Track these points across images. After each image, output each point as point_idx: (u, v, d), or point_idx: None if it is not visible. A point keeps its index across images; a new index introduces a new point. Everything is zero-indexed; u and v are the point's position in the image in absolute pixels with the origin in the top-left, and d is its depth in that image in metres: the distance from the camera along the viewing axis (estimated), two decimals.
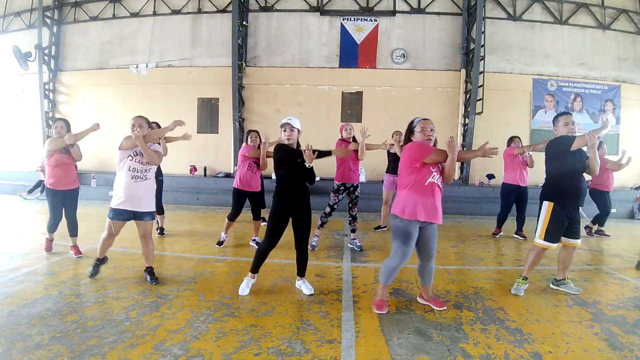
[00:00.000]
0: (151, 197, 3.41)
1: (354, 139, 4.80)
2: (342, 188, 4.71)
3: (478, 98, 9.00)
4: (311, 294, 3.20)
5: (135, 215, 3.36)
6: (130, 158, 3.27)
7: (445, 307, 2.97)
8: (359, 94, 9.72)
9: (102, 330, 2.49)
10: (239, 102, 9.53)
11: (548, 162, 3.41)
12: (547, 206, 3.32)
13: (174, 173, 9.87)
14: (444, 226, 6.73)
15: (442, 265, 4.24)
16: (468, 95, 9.20)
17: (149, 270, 3.46)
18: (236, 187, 4.76)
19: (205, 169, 9.80)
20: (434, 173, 2.77)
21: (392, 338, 2.51)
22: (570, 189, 3.25)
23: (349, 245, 4.88)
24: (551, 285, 3.54)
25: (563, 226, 3.30)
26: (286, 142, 3.19)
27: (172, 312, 2.81)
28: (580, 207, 3.33)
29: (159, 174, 5.27)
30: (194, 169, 9.85)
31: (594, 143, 3.15)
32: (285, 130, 3.16)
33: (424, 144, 2.80)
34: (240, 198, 4.78)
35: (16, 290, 3.12)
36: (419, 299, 3.11)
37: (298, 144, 3.28)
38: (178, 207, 8.18)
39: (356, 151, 4.61)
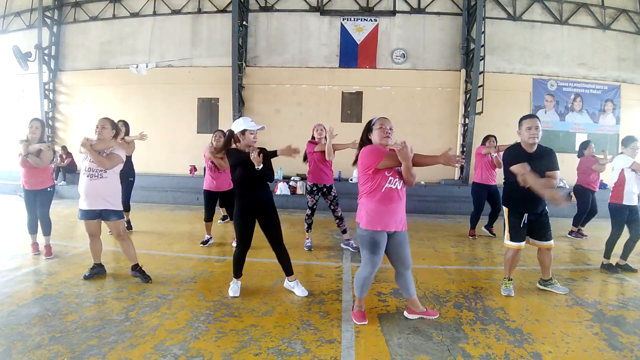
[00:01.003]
0: (112, 196, 3.40)
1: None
2: (315, 189, 4.66)
3: (478, 98, 9.00)
4: (304, 296, 3.15)
5: (102, 215, 3.40)
6: (86, 158, 3.35)
7: (438, 315, 2.84)
8: (359, 94, 9.72)
9: (102, 330, 2.49)
10: (239, 102, 9.53)
11: (504, 168, 3.37)
12: (504, 211, 3.36)
13: (174, 173, 9.88)
14: (444, 226, 6.73)
15: (442, 265, 4.24)
16: (468, 95, 9.20)
17: (138, 269, 3.46)
18: (204, 188, 4.91)
19: (205, 169, 9.78)
20: (391, 177, 2.55)
21: (392, 338, 2.51)
22: (520, 196, 3.16)
23: (343, 246, 4.86)
24: (538, 285, 3.53)
25: (523, 228, 3.27)
26: (252, 144, 3.07)
27: (172, 312, 2.81)
28: (538, 211, 3.23)
29: (129, 174, 5.35)
30: (194, 169, 9.85)
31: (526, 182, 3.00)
32: (252, 133, 3.05)
33: (377, 148, 2.57)
34: (208, 199, 4.90)
35: (16, 290, 3.12)
36: (406, 314, 2.83)
37: (264, 151, 3.14)
38: (178, 207, 8.18)
39: (323, 152, 4.51)
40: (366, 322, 2.74)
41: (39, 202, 4.19)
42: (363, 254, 2.68)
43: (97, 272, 3.54)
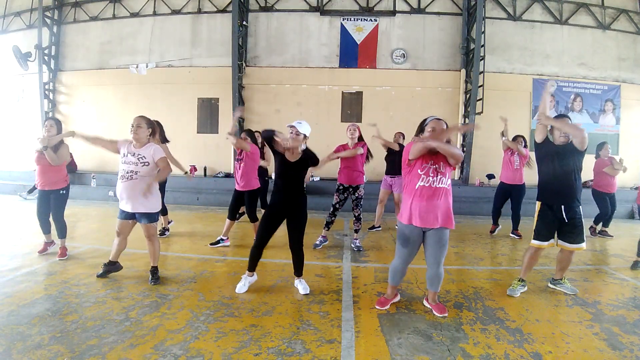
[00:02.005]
0: (145, 199, 3.33)
1: (360, 138, 4.78)
2: (342, 188, 4.74)
3: (478, 98, 8.99)
4: (306, 294, 3.19)
5: (135, 217, 3.40)
6: (122, 157, 3.34)
7: (447, 314, 2.87)
8: (359, 94, 9.72)
9: (102, 330, 2.49)
10: (239, 102, 9.52)
11: (537, 161, 3.48)
12: (537, 205, 3.42)
13: (174, 173, 9.79)
14: None
15: None
16: (468, 95, 9.19)
17: (152, 270, 3.48)
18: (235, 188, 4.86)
19: (205, 169, 9.79)
20: (423, 175, 2.65)
21: (392, 338, 2.51)
22: (556, 187, 3.27)
23: (351, 245, 4.89)
24: (549, 285, 3.55)
25: (552, 226, 3.31)
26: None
27: (172, 312, 2.81)
28: (572, 209, 3.26)
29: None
30: (194, 169, 9.83)
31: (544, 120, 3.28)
32: (291, 133, 3.10)
33: (411, 144, 2.71)
34: (234, 198, 4.84)
35: (16, 290, 3.12)
36: (424, 302, 3.06)
37: (307, 150, 3.21)
38: (178, 207, 8.17)
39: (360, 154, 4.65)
40: (383, 309, 2.89)
41: (52, 203, 4.16)
42: (396, 245, 2.91)
43: (108, 269, 3.53)
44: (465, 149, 9.28)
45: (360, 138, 4.79)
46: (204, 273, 3.78)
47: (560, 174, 3.24)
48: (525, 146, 5.79)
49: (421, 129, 2.78)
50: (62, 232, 4.19)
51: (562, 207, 3.26)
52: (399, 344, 2.43)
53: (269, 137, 3.09)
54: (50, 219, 4.22)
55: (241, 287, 3.25)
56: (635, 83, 9.61)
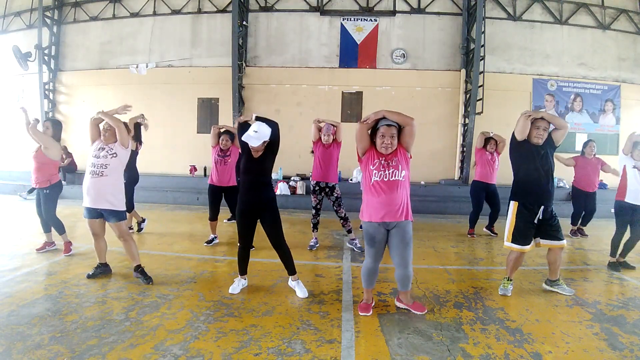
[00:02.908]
0: (113, 195, 3.36)
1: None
2: (318, 188, 4.67)
3: (478, 98, 9.00)
4: (305, 297, 3.15)
5: (103, 215, 3.40)
6: (94, 150, 3.37)
7: (426, 310, 2.86)
8: (359, 94, 9.72)
9: (102, 330, 2.49)
10: (239, 102, 9.53)
11: (513, 161, 3.41)
12: (512, 206, 3.33)
13: (174, 173, 9.88)
14: (444, 226, 6.73)
15: (442, 265, 4.24)
16: (468, 95, 9.20)
17: (140, 270, 3.45)
18: (209, 182, 5.01)
19: (205, 169, 9.79)
20: (375, 171, 2.67)
21: (392, 338, 2.50)
22: (534, 187, 3.22)
23: (348, 245, 4.88)
24: (544, 286, 3.52)
25: (530, 227, 3.26)
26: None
27: (172, 312, 2.81)
28: (550, 208, 3.26)
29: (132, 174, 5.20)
30: (194, 169, 9.85)
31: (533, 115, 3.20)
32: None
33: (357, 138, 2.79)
34: (212, 195, 4.95)
35: (16, 290, 3.12)
36: (396, 302, 2.99)
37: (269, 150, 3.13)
38: (178, 207, 8.18)
39: (332, 147, 4.61)
40: (369, 314, 2.83)
41: (41, 201, 4.20)
42: (365, 245, 2.90)
43: (101, 271, 3.54)
44: (465, 149, 9.28)
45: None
46: (204, 273, 3.78)
47: (541, 174, 3.20)
48: (496, 149, 5.76)
49: (375, 127, 2.78)
50: (59, 229, 4.23)
51: (542, 208, 3.23)
52: (399, 344, 2.42)
53: (242, 128, 3.08)
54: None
55: (235, 287, 3.25)
56: (635, 83, 9.61)
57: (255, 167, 3.10)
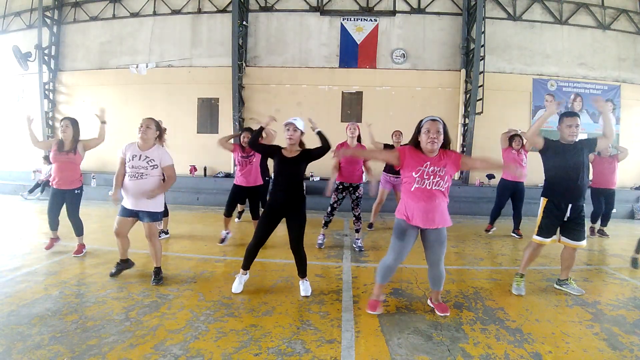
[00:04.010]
0: (152, 198, 3.37)
1: (359, 139, 4.80)
2: (341, 187, 4.73)
3: (478, 98, 8.99)
4: (306, 295, 3.17)
5: (138, 215, 3.40)
6: (128, 160, 3.36)
7: (448, 313, 2.87)
8: (359, 94, 9.72)
9: (102, 330, 2.49)
10: (239, 102, 9.53)
11: (544, 161, 3.45)
12: (542, 202, 3.40)
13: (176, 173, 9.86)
14: None
15: None
16: (468, 95, 9.20)
17: (155, 271, 3.47)
18: (234, 182, 4.92)
19: (205, 169, 9.80)
20: (418, 178, 2.62)
21: (392, 338, 2.51)
22: (564, 186, 3.26)
23: (353, 244, 4.89)
24: (555, 285, 3.55)
25: (556, 222, 3.32)
26: (287, 141, 3.19)
27: (172, 312, 2.81)
28: (578, 207, 3.28)
29: None
30: (194, 169, 9.85)
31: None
32: (288, 130, 3.17)
33: (401, 148, 2.78)
34: (234, 193, 4.89)
35: (16, 290, 3.12)
36: (428, 302, 3.06)
37: (302, 145, 3.30)
38: (178, 207, 8.17)
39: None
40: (376, 312, 2.84)
41: (67, 203, 4.21)
42: (391, 240, 2.83)
43: (122, 267, 3.56)
44: (465, 149, 9.28)
45: (359, 139, 4.80)
46: (204, 273, 3.78)
47: (570, 172, 3.23)
48: (523, 146, 5.72)
49: (418, 130, 2.73)
50: (79, 230, 4.26)
51: (570, 205, 3.26)
52: (399, 344, 2.43)
53: (255, 140, 3.28)
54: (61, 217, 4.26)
55: (237, 286, 3.25)
56: (635, 83, 9.61)
57: (288, 168, 3.17)
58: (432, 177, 2.61)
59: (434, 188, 2.62)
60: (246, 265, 3.32)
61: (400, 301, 3.13)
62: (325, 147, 3.21)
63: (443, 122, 2.67)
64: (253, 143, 3.30)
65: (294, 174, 3.19)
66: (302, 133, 3.24)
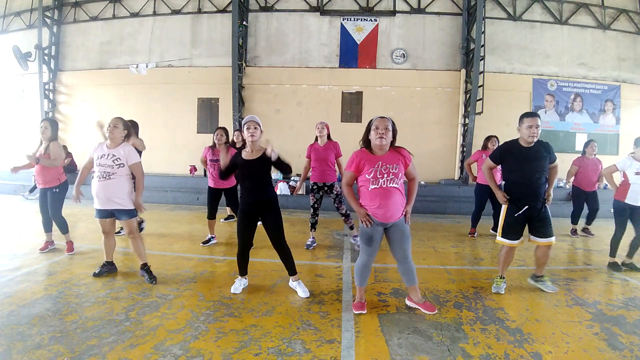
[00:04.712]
0: (121, 196, 3.39)
1: (329, 137, 4.74)
2: (316, 187, 4.71)
3: (478, 98, 8.99)
4: (306, 297, 3.15)
5: (114, 214, 3.44)
6: (96, 159, 3.39)
7: (437, 311, 2.88)
8: (359, 94, 9.72)
9: (102, 330, 2.49)
10: (239, 102, 9.53)
11: (502, 168, 3.45)
12: (503, 208, 3.38)
13: (174, 173, 9.88)
14: (444, 226, 6.73)
15: (442, 265, 4.24)
16: (468, 95, 9.20)
17: (146, 268, 3.48)
18: (208, 185, 4.98)
19: (205, 169, 9.78)
20: (372, 179, 2.66)
21: (392, 338, 2.51)
22: (521, 191, 3.24)
23: (352, 242, 4.90)
24: (529, 280, 3.56)
25: (519, 225, 3.30)
26: (249, 139, 3.08)
27: (172, 312, 2.81)
28: (536, 209, 3.25)
29: None
30: (193, 169, 9.85)
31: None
32: (249, 128, 3.07)
33: (351, 160, 2.76)
34: (211, 196, 4.95)
35: (16, 290, 3.12)
36: (407, 301, 3.02)
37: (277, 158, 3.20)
38: (178, 207, 8.18)
39: (327, 149, 4.63)
40: (364, 312, 2.86)
41: (48, 201, 4.22)
42: (360, 245, 2.91)
43: (107, 270, 3.58)
44: (465, 149, 9.28)
45: (329, 137, 4.75)
46: (204, 273, 3.78)
47: (528, 174, 3.20)
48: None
49: (368, 129, 2.75)
50: (63, 229, 4.26)
51: (527, 207, 3.24)
52: (399, 344, 2.43)
53: (227, 173, 3.25)
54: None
55: (236, 287, 3.26)
56: (635, 83, 9.61)
57: (252, 170, 3.10)
58: (385, 175, 2.66)
59: (389, 185, 2.67)
60: (242, 272, 3.32)
61: (400, 301, 3.12)
62: (287, 173, 3.11)
63: (392, 120, 2.73)
64: (226, 176, 3.27)
65: (259, 174, 3.11)
66: (261, 131, 3.15)
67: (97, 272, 3.53)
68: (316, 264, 4.16)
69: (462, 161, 9.43)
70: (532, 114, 3.21)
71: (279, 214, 3.21)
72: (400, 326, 2.68)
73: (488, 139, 5.81)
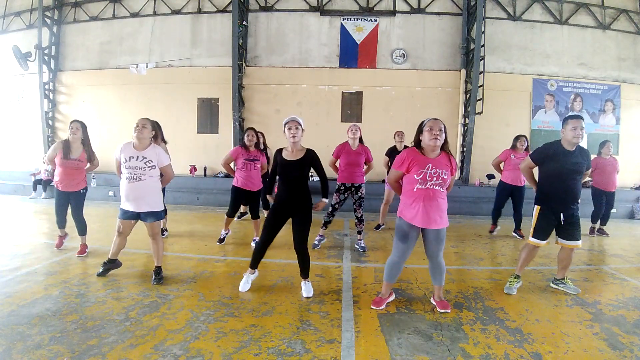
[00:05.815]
0: (151, 199, 3.39)
1: (361, 140, 4.79)
2: (343, 188, 4.72)
3: (478, 98, 8.99)
4: (308, 297, 3.16)
5: (140, 216, 3.41)
6: (124, 162, 3.33)
7: (449, 310, 2.91)
8: (359, 94, 9.72)
9: (102, 330, 2.49)
10: (239, 102, 9.52)
11: (540, 170, 3.46)
12: (535, 209, 3.42)
13: (174, 173, 9.86)
14: None
15: None
16: (468, 95, 9.19)
17: (156, 270, 3.48)
18: (233, 184, 4.87)
19: (205, 169, 9.79)
20: (420, 179, 2.70)
21: (392, 338, 2.51)
22: (558, 194, 3.27)
23: (355, 245, 4.88)
24: (551, 284, 3.56)
25: (551, 225, 3.34)
26: (291, 140, 3.12)
27: (172, 312, 2.81)
28: (574, 209, 3.28)
29: None
30: (194, 169, 9.85)
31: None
32: (290, 128, 3.10)
33: (399, 160, 2.81)
34: (236, 195, 4.85)
35: (16, 290, 3.12)
36: (431, 300, 3.10)
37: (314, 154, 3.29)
38: (178, 207, 8.18)
39: (359, 153, 4.70)
40: (379, 308, 2.92)
41: (72, 204, 4.25)
42: (394, 241, 2.93)
43: (109, 267, 3.57)
44: (465, 149, 9.28)
45: (361, 140, 4.79)
46: (204, 273, 3.78)
47: (566, 178, 3.23)
48: (527, 148, 5.72)
49: (420, 130, 2.80)
50: (83, 230, 4.30)
51: (562, 211, 3.28)
52: (399, 344, 2.43)
53: (271, 187, 3.43)
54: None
55: (244, 285, 3.27)
56: (635, 83, 9.61)
57: (292, 172, 3.14)
58: (434, 178, 2.70)
59: (435, 188, 2.71)
60: (254, 264, 3.33)
61: (400, 301, 3.13)
62: (320, 173, 3.35)
63: (443, 123, 2.77)
64: (273, 178, 3.36)
65: (298, 176, 3.16)
66: (303, 131, 3.19)
67: (100, 271, 3.52)
68: (316, 264, 4.16)
69: (462, 161, 9.43)
70: (576, 116, 3.24)
71: (310, 217, 3.22)
72: (400, 326, 2.68)
73: (517, 138, 5.80)
